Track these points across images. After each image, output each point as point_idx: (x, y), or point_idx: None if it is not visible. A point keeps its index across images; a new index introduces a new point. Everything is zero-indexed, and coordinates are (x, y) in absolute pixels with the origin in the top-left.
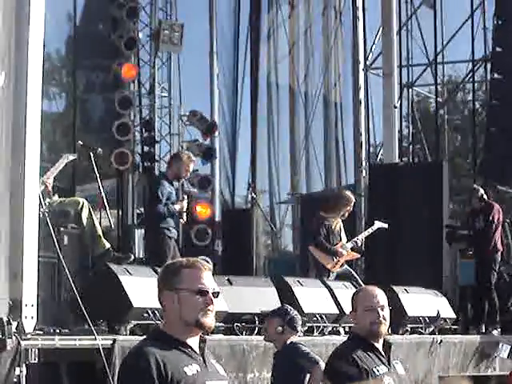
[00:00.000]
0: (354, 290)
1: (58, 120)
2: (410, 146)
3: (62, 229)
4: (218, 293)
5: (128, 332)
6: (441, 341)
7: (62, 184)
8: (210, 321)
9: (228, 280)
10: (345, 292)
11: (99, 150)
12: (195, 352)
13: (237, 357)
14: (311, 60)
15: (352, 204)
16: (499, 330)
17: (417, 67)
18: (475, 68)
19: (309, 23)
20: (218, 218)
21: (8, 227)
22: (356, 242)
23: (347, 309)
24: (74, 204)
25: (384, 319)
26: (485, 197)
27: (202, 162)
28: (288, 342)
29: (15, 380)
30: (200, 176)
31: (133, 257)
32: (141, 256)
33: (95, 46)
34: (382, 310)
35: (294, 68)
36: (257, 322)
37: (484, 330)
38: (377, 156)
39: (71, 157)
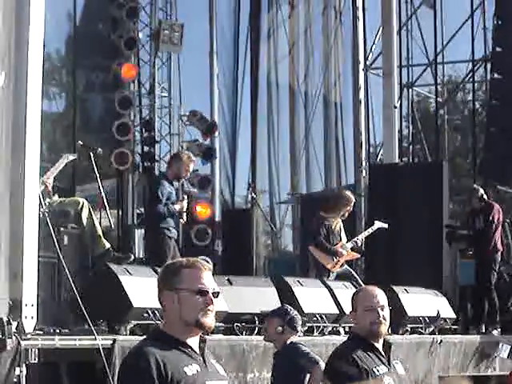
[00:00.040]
0: (354, 290)
1: (58, 120)
2: (410, 146)
3: (62, 229)
4: (218, 293)
5: (128, 332)
6: (441, 341)
7: (62, 184)
8: (210, 321)
9: (228, 280)
10: (345, 292)
11: (99, 149)
12: (195, 352)
13: (237, 357)
14: (311, 60)
15: (352, 204)
16: (499, 330)
17: (417, 67)
18: (475, 68)
19: (309, 23)
20: (218, 218)
21: (8, 227)
22: (356, 242)
23: (347, 309)
24: (73, 204)
25: (384, 319)
26: (485, 197)
27: (202, 161)
28: (288, 342)
29: (15, 380)
30: (200, 176)
31: (133, 257)
32: (141, 256)
33: (95, 45)
34: (382, 309)
35: (294, 68)
36: (257, 322)
37: (484, 330)
38: (377, 156)
39: (71, 157)
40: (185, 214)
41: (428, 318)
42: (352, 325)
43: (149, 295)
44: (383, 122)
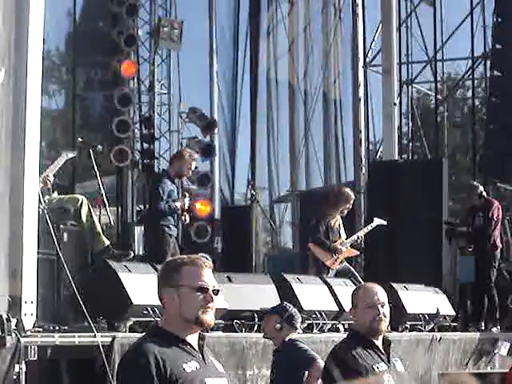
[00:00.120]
0: (354, 287)
1: (58, 117)
2: (410, 143)
3: (61, 226)
4: (218, 290)
5: (127, 329)
6: (440, 338)
7: (62, 181)
8: (209, 318)
9: (228, 277)
10: (344, 289)
11: (99, 147)
12: (194, 349)
13: (236, 354)
14: (311, 57)
15: (351, 201)
16: (499, 327)
17: (416, 64)
18: (475, 65)
19: (308, 20)
20: (217, 216)
21: (8, 224)
22: (355, 239)
23: (347, 306)
24: (73, 201)
25: (384, 316)
26: (484, 194)
27: (201, 159)
28: (287, 339)
29: (15, 377)
30: (200, 173)
31: (132, 254)
32: (140, 253)
33: (95, 43)
34: (382, 307)
35: (293, 65)
36: (256, 320)
37: (484, 328)
38: (376, 153)
39: (70, 154)
40: (187, 214)
41: (428, 315)
42: (351, 322)
43: (148, 292)
44: (383, 119)
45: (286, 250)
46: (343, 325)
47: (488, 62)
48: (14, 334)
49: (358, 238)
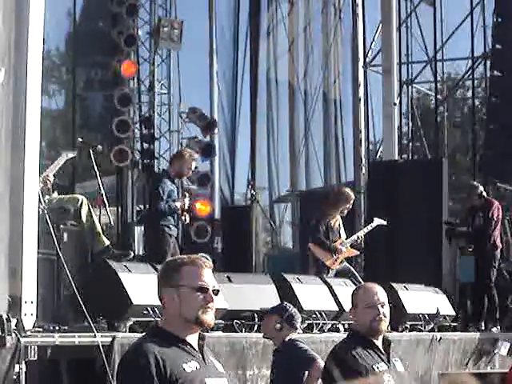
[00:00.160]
0: (354, 287)
1: (58, 117)
2: (410, 143)
3: (61, 226)
4: (218, 290)
5: (127, 329)
6: (440, 338)
7: (62, 181)
8: (209, 318)
9: (228, 277)
10: (344, 289)
11: (99, 147)
12: (194, 349)
13: (236, 354)
14: (311, 57)
15: (351, 201)
16: (499, 327)
17: (416, 64)
18: (475, 65)
19: (308, 20)
20: (217, 216)
21: (8, 224)
22: (355, 239)
23: (347, 306)
24: (73, 201)
25: (384, 316)
26: (484, 194)
27: (201, 159)
28: (287, 339)
29: (15, 377)
30: (200, 173)
31: (132, 254)
32: (140, 253)
33: (95, 43)
34: (383, 307)
35: (293, 65)
36: (256, 320)
37: (484, 328)
38: (376, 153)
39: (70, 154)
40: (187, 214)
41: (427, 315)
42: (351, 322)
43: (148, 292)
44: (383, 119)
45: (286, 249)
46: (343, 325)
47: (488, 62)
48: (14, 334)
49: (358, 237)
